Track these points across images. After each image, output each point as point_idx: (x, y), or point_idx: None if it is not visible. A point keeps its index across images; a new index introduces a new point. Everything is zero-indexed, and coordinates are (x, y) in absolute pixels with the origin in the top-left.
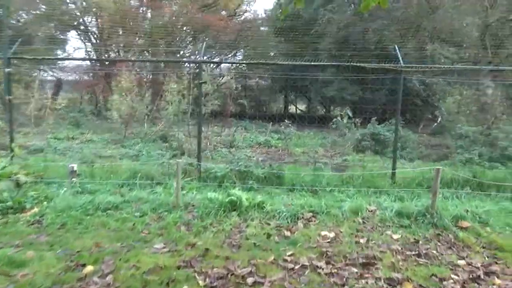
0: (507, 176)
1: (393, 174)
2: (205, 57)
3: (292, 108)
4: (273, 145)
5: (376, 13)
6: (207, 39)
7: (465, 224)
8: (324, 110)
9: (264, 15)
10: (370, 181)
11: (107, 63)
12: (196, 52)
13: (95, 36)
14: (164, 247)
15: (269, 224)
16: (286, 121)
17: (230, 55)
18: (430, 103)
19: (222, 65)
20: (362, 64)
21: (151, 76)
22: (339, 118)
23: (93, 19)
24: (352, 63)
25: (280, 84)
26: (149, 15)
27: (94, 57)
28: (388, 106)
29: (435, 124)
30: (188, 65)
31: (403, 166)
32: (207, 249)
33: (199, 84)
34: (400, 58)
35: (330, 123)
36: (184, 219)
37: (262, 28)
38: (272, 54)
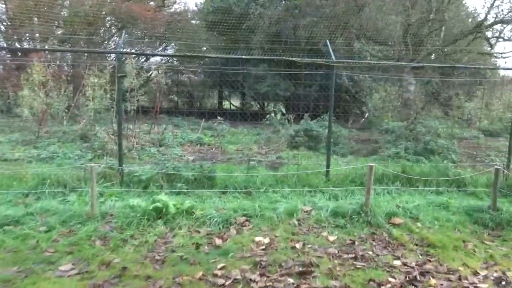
0: (431, 170)
1: (327, 172)
2: (130, 49)
3: (227, 104)
4: (205, 143)
5: (306, 9)
6: (134, 31)
7: (397, 220)
8: (258, 106)
9: (195, 8)
10: (304, 180)
11: (19, 54)
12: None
13: (4, 24)
14: (72, 269)
15: (198, 232)
16: (218, 117)
17: (160, 48)
18: (358, 99)
19: (153, 59)
20: (295, 59)
21: (71, 69)
22: (272, 114)
23: (1, 4)
24: (284, 58)
25: (214, 80)
26: (67, 2)
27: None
28: (320, 102)
29: (363, 119)
30: (110, 58)
31: (337, 162)
32: (124, 268)
33: (118, 78)
34: (332, 53)
35: (264, 119)
36: (100, 232)
37: (193, 22)
38: (204, 48)
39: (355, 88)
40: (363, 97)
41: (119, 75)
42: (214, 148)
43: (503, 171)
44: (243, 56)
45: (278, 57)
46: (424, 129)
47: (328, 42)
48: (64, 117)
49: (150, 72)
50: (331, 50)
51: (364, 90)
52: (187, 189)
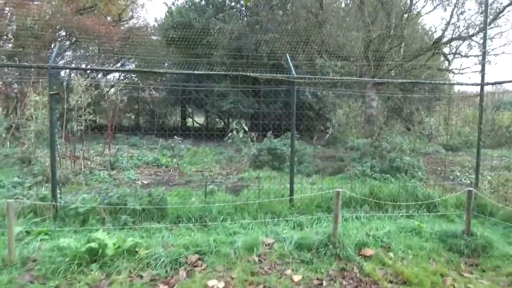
0: (400, 191)
1: (291, 197)
2: (85, 64)
3: (191, 122)
4: (163, 164)
5: (267, 25)
6: (89, 46)
7: (368, 252)
8: (223, 123)
9: (155, 24)
10: (267, 206)
11: None
12: (72, 59)
13: None
14: None
15: (141, 277)
16: (176, 137)
17: (118, 64)
18: (322, 115)
19: (113, 75)
20: (254, 74)
21: (19, 86)
22: (234, 132)
23: None
24: (243, 73)
25: (176, 96)
26: (15, 17)
27: None
28: (284, 119)
29: (328, 135)
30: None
31: (302, 184)
32: None
33: (50, 96)
34: (292, 68)
35: (226, 137)
36: (17, 283)
37: (153, 37)
38: (166, 64)
39: (319, 104)
40: (327, 113)
41: (51, 92)
42: (172, 170)
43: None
44: (197, 72)
45: (236, 73)
46: (388, 145)
47: (288, 57)
48: (6, 139)
49: (107, 89)
50: (291, 65)
51: (327, 106)
52: (134, 222)
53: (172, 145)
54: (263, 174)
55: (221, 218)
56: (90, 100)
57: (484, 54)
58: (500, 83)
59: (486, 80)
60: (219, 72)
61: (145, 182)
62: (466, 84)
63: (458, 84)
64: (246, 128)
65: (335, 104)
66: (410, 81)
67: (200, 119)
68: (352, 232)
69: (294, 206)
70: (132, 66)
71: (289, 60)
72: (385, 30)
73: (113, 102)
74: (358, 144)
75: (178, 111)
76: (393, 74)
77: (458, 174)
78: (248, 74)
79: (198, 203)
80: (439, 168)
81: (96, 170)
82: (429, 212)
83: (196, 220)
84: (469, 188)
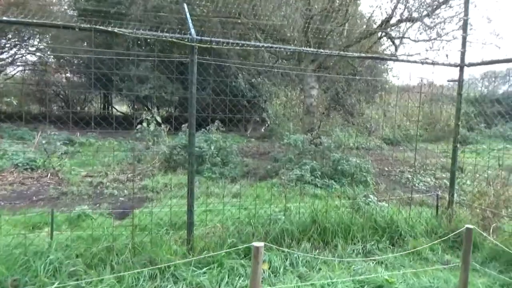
0: (353, 217)
1: (189, 237)
2: None
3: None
4: (40, 167)
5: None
6: None
7: None
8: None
9: None
10: (148, 250)
11: None
12: None
13: None
14: None
15: None
16: (49, 131)
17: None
18: (257, 104)
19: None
20: (119, 30)
21: None
22: (144, 124)
23: None
24: (104, 28)
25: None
26: None
27: None
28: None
29: (264, 128)
30: None
31: (213, 203)
32: None
33: None
34: (191, 25)
35: (134, 131)
36: None
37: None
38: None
39: (253, 92)
40: (262, 103)
41: None
42: (49, 175)
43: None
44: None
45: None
46: (332, 142)
47: (186, 9)
48: None
49: None
50: (190, 22)
51: (263, 95)
52: None
53: (44, 142)
54: (176, 179)
55: (75, 279)
56: None
57: (465, 24)
58: (488, 63)
59: (468, 61)
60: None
61: None
62: (443, 64)
63: (433, 64)
64: (159, 119)
65: (272, 93)
66: (369, 55)
67: (122, 108)
68: None
69: (193, 250)
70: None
71: (187, 13)
72: (327, 3)
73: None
74: (295, 140)
75: (99, 98)
76: (335, 58)
77: (409, 176)
78: (109, 29)
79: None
80: (386, 169)
81: None
82: (393, 246)
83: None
84: (468, 226)
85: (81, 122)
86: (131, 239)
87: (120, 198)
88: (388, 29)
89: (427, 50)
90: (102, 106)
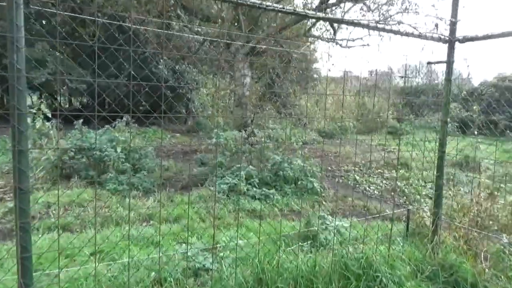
0: (318, 264)
1: None
2: None
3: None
4: None
5: None
6: None
7: None
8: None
9: None
10: None
11: None
12: None
13: None
14: None
15: None
16: None
17: None
18: (182, 95)
19: None
20: None
21: None
22: (28, 120)
23: None
24: None
25: None
26: None
27: None
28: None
29: (189, 121)
30: None
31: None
32: None
33: None
34: None
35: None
36: None
37: None
38: None
39: (178, 80)
40: (188, 93)
41: None
42: None
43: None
44: None
45: None
46: (270, 141)
47: None
48: None
49: None
50: None
51: (189, 83)
52: None
53: None
54: (65, 196)
55: None
56: None
57: None
58: (483, 38)
59: (459, 34)
60: None
61: None
62: (432, 39)
63: (420, 37)
64: (47, 113)
65: (198, 82)
66: (335, 18)
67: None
68: None
69: None
70: None
71: None
72: None
73: None
74: (226, 139)
75: None
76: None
77: (357, 177)
78: None
79: None
80: (329, 168)
81: None
82: None
83: None
84: None
85: None
86: None
87: None
88: (328, 10)
89: (369, 35)
90: None
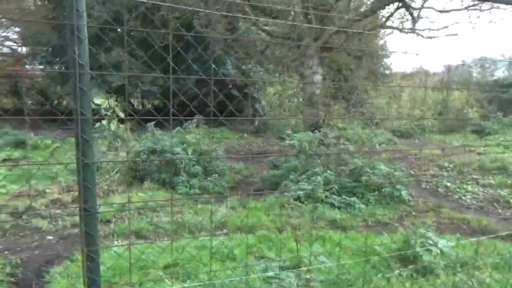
0: None
1: None
2: None
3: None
4: None
5: None
6: None
7: None
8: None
9: None
10: None
11: None
12: None
13: None
14: None
15: None
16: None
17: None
18: (248, 95)
19: None
20: None
21: None
22: (104, 122)
23: None
24: None
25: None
26: None
27: None
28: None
29: (257, 121)
30: None
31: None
32: None
33: None
34: None
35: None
36: None
37: None
38: None
39: (244, 81)
40: (254, 93)
41: None
42: None
43: None
44: None
45: None
46: (349, 143)
47: None
48: None
49: None
50: None
51: (256, 83)
52: None
53: None
54: (138, 198)
55: None
56: None
57: None
58: None
59: None
60: None
61: None
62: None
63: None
64: (122, 115)
65: (265, 82)
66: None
67: (100, 100)
68: None
69: None
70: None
71: None
72: None
73: None
74: (300, 140)
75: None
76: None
77: (448, 184)
78: None
79: None
80: (412, 172)
81: None
82: None
83: None
84: None
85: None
86: None
87: (48, 237)
88: None
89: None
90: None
